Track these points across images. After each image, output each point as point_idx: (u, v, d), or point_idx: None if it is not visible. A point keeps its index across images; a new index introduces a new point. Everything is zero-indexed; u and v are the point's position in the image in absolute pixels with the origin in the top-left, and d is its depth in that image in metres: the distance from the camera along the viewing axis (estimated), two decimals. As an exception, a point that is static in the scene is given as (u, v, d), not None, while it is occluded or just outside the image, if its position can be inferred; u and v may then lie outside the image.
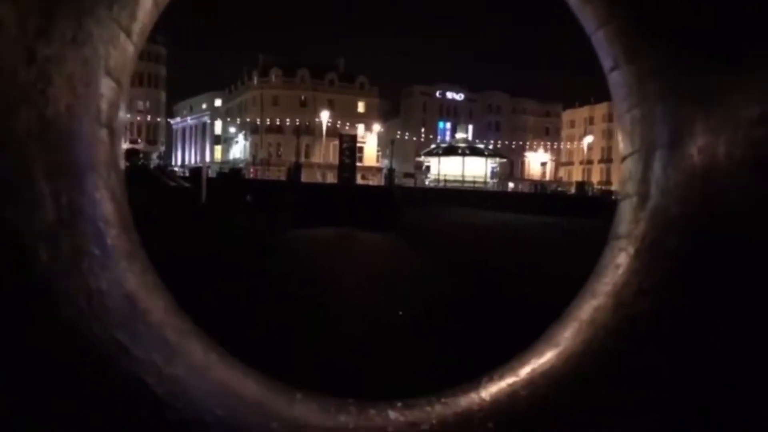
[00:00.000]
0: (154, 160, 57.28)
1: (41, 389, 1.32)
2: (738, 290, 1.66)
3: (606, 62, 2.66)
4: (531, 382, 2.13)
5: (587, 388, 1.96)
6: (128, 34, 2.19)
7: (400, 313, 8.67)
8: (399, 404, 2.28)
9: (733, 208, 1.76)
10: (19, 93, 1.46)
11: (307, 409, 2.01)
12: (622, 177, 2.68)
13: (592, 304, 2.24)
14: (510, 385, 2.18)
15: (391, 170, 40.77)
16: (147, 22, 2.39)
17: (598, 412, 1.85)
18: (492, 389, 2.20)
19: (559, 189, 64.58)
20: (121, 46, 2.14)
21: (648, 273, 2.01)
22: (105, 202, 1.88)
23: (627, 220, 2.34)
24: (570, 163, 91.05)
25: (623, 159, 2.68)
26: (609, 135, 79.49)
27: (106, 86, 2.04)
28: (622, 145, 2.74)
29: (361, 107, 76.57)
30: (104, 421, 1.37)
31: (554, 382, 2.05)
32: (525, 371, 2.23)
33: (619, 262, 2.25)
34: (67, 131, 1.69)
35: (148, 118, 75.50)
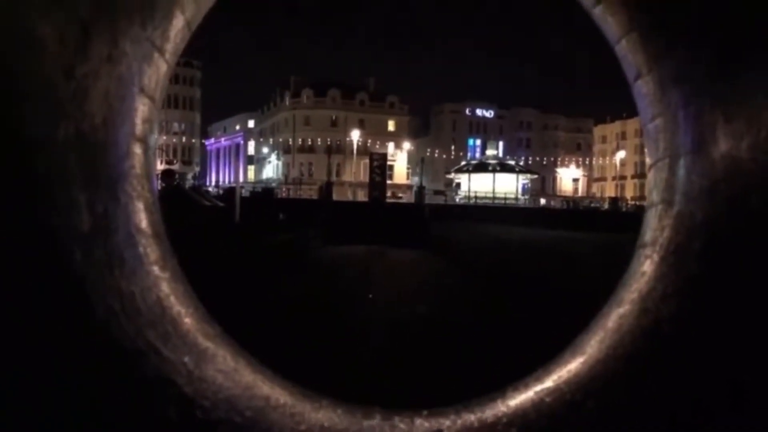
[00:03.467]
0: (189, 180, 58.46)
1: (74, 382, 1.38)
2: (763, 293, 1.64)
3: (630, 72, 2.66)
4: (557, 389, 2.13)
5: (613, 393, 1.95)
6: (161, 53, 2.29)
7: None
8: (425, 412, 2.29)
9: (757, 211, 1.75)
10: (58, 106, 1.54)
11: (333, 414, 2.03)
12: (648, 186, 2.67)
13: (618, 312, 2.23)
14: (536, 393, 2.18)
15: (421, 187, 40.80)
16: (179, 41, 2.49)
17: (623, 417, 1.84)
18: (517, 397, 2.20)
19: (592, 205, 63.70)
20: (155, 64, 2.24)
21: (673, 278, 2.00)
22: (138, 211, 1.96)
23: (652, 227, 2.33)
24: (602, 179, 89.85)
25: (649, 168, 2.68)
26: (642, 150, 78.04)
27: (140, 102, 2.13)
28: (647, 154, 2.74)
29: (391, 126, 77.10)
30: (134, 416, 1.43)
31: (580, 389, 2.04)
32: (551, 379, 2.23)
33: (644, 269, 2.24)
34: (103, 144, 1.78)
35: (184, 139, 77.23)
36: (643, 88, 2.47)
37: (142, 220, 1.98)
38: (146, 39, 2.04)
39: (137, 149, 2.10)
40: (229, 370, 1.84)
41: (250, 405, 1.74)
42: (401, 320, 9.32)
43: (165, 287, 1.91)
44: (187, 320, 1.92)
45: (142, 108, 2.13)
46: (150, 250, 1.95)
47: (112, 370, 1.46)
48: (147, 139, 2.24)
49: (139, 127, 2.10)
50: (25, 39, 1.45)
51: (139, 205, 1.99)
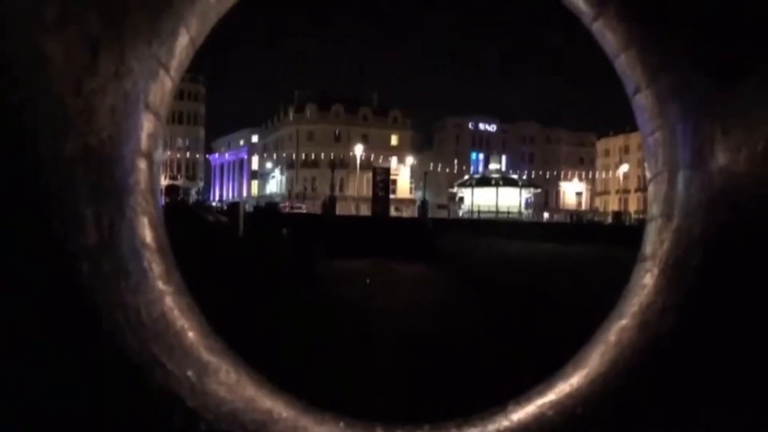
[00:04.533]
0: (193, 195, 58.65)
1: (79, 394, 1.40)
2: (761, 307, 1.65)
3: (629, 87, 2.69)
4: (558, 403, 2.13)
5: (614, 406, 1.95)
6: (166, 70, 2.33)
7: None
8: (426, 426, 2.30)
9: (754, 225, 1.76)
10: (66, 122, 1.58)
11: (335, 428, 2.04)
12: (648, 199, 2.69)
13: (618, 325, 2.24)
14: (538, 407, 2.18)
15: (424, 202, 40.85)
16: (184, 57, 2.53)
17: (625, 427, 1.84)
18: (519, 411, 2.21)
19: (596, 218, 63.60)
20: (160, 81, 2.28)
21: (672, 292, 2.01)
22: (142, 226, 1.98)
23: (652, 241, 2.35)
24: (606, 193, 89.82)
25: (649, 181, 2.70)
26: (645, 164, 78.04)
27: (146, 118, 2.16)
28: (647, 168, 2.76)
29: (394, 140, 77.38)
30: (139, 428, 1.44)
31: (581, 403, 2.05)
32: (552, 393, 2.23)
33: (644, 282, 2.25)
34: (109, 159, 1.81)
35: (188, 154, 77.62)
36: (642, 102, 2.50)
37: (147, 235, 2.00)
38: (152, 56, 2.08)
39: (142, 164, 2.13)
40: (232, 384, 1.86)
41: (252, 418, 1.75)
42: (404, 336, 9.30)
43: (169, 301, 1.93)
44: (191, 334, 1.94)
45: (147, 124, 2.16)
46: (154, 265, 1.97)
47: (117, 383, 1.48)
48: (152, 154, 2.27)
49: (144, 143, 2.13)
50: (35, 56, 1.48)
51: (144, 220, 2.02)
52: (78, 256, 1.53)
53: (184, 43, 2.42)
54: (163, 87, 2.37)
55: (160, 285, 1.95)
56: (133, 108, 2.03)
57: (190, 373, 1.68)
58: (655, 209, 2.42)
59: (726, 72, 1.95)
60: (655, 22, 2.29)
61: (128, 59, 1.88)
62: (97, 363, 1.45)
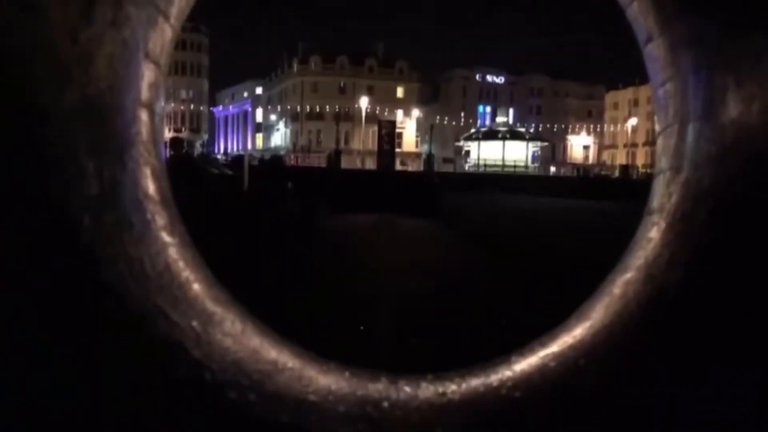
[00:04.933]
0: (198, 148, 58.47)
1: (83, 345, 1.41)
2: (769, 259, 1.64)
3: (640, 35, 2.62)
4: (561, 354, 2.15)
5: (616, 359, 1.97)
6: (166, 17, 2.27)
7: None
8: (430, 376, 2.33)
9: (766, 177, 1.73)
10: (63, 72, 1.54)
11: (340, 378, 2.07)
12: (657, 152, 2.65)
13: (623, 278, 2.23)
14: (540, 358, 2.20)
15: (430, 155, 40.62)
16: (184, 5, 2.46)
17: (626, 381, 1.86)
18: (522, 362, 2.23)
19: (603, 172, 63.22)
20: (159, 29, 2.22)
21: (679, 245, 2.00)
22: (145, 178, 1.97)
23: (660, 194, 2.32)
24: (614, 146, 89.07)
25: (658, 134, 2.65)
26: (654, 117, 77.18)
27: (146, 68, 2.12)
28: (657, 120, 2.70)
29: (400, 93, 76.50)
30: (144, 377, 1.46)
31: (584, 354, 2.06)
32: (555, 344, 2.25)
33: (651, 236, 2.23)
34: (109, 110, 1.78)
35: (191, 106, 77.02)
36: (654, 52, 2.43)
37: (150, 187, 1.99)
38: (150, 3, 2.03)
39: (144, 115, 2.10)
40: (237, 334, 1.87)
41: (257, 368, 1.77)
42: (409, 293, 9.37)
43: (173, 253, 1.93)
44: (195, 285, 1.94)
45: (147, 73, 2.12)
46: (158, 217, 1.96)
47: (121, 333, 1.49)
48: (153, 105, 2.23)
49: (144, 93, 2.09)
50: (28, 5, 1.44)
51: (147, 172, 2.00)
52: (79, 208, 1.52)
53: (183, -11, 2.35)
54: (162, 35, 2.31)
55: (164, 237, 1.94)
56: (133, 57, 1.98)
57: (194, 323, 1.69)
58: (663, 162, 2.38)
59: (740, 21, 1.89)
60: (671, -33, 2.20)
61: (125, 6, 1.82)
62: (99, 314, 1.46)
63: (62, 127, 1.54)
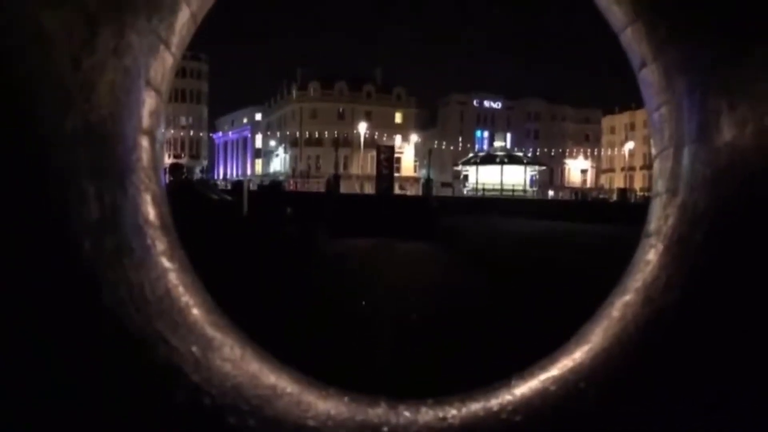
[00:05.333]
0: (197, 174, 58.58)
1: (82, 370, 1.41)
2: (766, 280, 1.65)
3: (635, 61, 2.66)
4: (561, 377, 2.14)
5: (616, 382, 1.96)
6: (167, 46, 2.30)
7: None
8: (430, 401, 2.32)
9: (760, 200, 1.75)
10: (65, 98, 1.57)
11: (339, 403, 2.06)
12: (654, 175, 2.67)
13: (622, 301, 2.24)
14: (540, 382, 2.20)
15: (428, 180, 40.73)
16: (185, 34, 2.50)
17: (626, 404, 1.85)
18: (522, 386, 2.22)
19: (601, 196, 63.39)
20: (161, 57, 2.26)
21: (676, 268, 2.01)
22: (145, 203, 1.98)
23: (657, 216, 2.34)
24: (611, 170, 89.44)
25: (654, 157, 2.68)
26: (651, 141, 77.72)
27: (147, 95, 2.15)
28: (653, 143, 2.73)
29: (398, 118, 77.03)
30: (143, 402, 1.46)
31: (584, 377, 2.06)
32: (555, 368, 2.24)
33: (648, 258, 2.24)
34: (110, 136, 1.80)
35: (191, 132, 77.46)
36: (648, 77, 2.47)
37: (150, 212, 2.00)
38: (152, 32, 2.06)
39: (144, 142, 2.12)
40: (236, 359, 1.87)
41: (256, 393, 1.77)
42: (406, 309, 9.33)
43: (173, 278, 1.94)
44: (195, 310, 1.94)
45: (148, 100, 2.15)
46: (158, 242, 1.97)
47: (121, 359, 1.49)
48: (154, 131, 2.26)
49: (145, 120, 2.12)
50: (33, 32, 1.47)
51: (147, 197, 2.02)
52: (80, 232, 1.53)
53: (184, 19, 2.39)
54: (163, 63, 2.35)
55: (164, 262, 1.95)
56: (134, 84, 2.01)
57: (194, 348, 1.69)
58: (660, 185, 2.40)
59: (732, 46, 1.92)
60: (662, -5, 2.25)
61: (128, 35, 1.86)
62: (99, 339, 1.46)
63: (64, 152, 1.55)
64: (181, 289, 1.94)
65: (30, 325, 1.38)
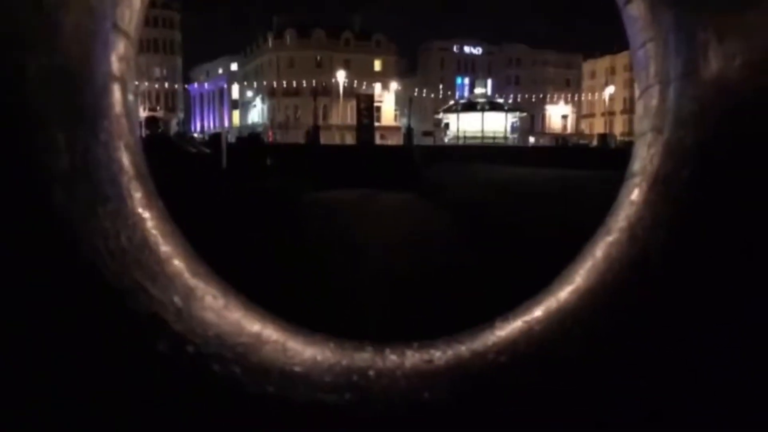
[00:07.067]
0: (174, 127, 57.54)
1: (62, 322, 1.37)
2: (754, 220, 1.64)
3: (621, -3, 2.59)
4: (545, 318, 2.16)
5: (600, 321, 1.98)
6: (134, -15, 2.19)
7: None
8: (415, 344, 2.33)
9: (748, 134, 1.73)
10: (27, 40, 1.48)
11: (325, 348, 2.06)
12: (637, 114, 2.64)
13: (606, 241, 2.24)
14: (525, 322, 2.21)
15: (409, 129, 40.42)
16: (152, -27, 2.38)
17: (610, 344, 1.87)
18: (507, 327, 2.24)
19: (581, 141, 63.57)
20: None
21: (662, 206, 2.00)
22: (119, 150, 1.91)
23: (641, 156, 2.32)
24: (591, 115, 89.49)
25: (639, 96, 2.64)
26: (631, 85, 77.71)
27: (115, 38, 2.05)
28: (636, 82, 2.69)
29: (377, 66, 75.81)
30: (125, 352, 1.43)
31: (569, 317, 2.07)
32: (540, 309, 2.26)
33: (633, 198, 2.23)
34: (79, 80, 1.72)
35: (166, 85, 75.67)
36: (634, 12, 2.41)
37: (124, 160, 1.94)
38: (116, -31, 1.95)
39: (115, 88, 2.03)
40: (219, 308, 1.85)
41: (240, 341, 1.75)
42: (394, 266, 9.39)
43: (151, 227, 1.89)
44: (175, 260, 1.91)
45: (117, 44, 2.05)
46: (134, 191, 1.92)
47: (100, 309, 1.45)
48: (125, 78, 2.16)
49: (115, 65, 2.02)
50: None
51: (120, 144, 1.95)
52: (52, 181, 1.47)
53: (150, -44, 2.27)
54: (131, 4, 2.23)
55: (141, 211, 1.90)
56: (100, 26, 1.91)
57: (175, 298, 1.66)
58: (645, 124, 2.37)
59: (723, -25, 1.87)
60: (650, -76, 2.17)
61: (90, -29, 1.75)
62: (77, 289, 1.42)
63: (29, 98, 1.47)
64: (160, 238, 1.89)
65: (4, 278, 1.34)
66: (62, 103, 1.62)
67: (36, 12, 1.52)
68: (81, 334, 1.39)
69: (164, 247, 1.87)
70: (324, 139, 41.78)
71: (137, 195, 1.92)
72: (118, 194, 1.78)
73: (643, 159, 2.28)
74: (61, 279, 1.40)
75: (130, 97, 2.25)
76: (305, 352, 1.97)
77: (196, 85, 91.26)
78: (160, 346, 1.49)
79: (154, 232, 1.88)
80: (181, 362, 1.51)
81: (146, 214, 1.91)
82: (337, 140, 54.73)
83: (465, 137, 48.88)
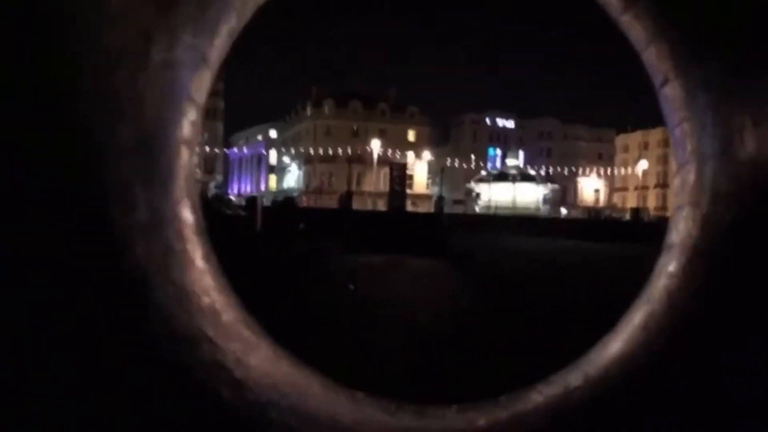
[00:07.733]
0: (212, 189, 59.03)
1: (136, 365, 1.48)
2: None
3: (656, 79, 2.72)
4: (585, 384, 2.19)
5: (639, 390, 2.00)
6: (207, 62, 2.41)
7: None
8: (455, 407, 2.37)
9: (783, 211, 1.80)
10: (120, 110, 1.66)
11: (368, 406, 2.12)
12: (676, 188, 2.73)
13: (644, 310, 2.28)
14: (564, 388, 2.24)
15: (440, 198, 40.75)
16: (222, 50, 2.61)
17: (650, 413, 1.90)
18: (546, 391, 2.27)
19: (614, 215, 63.04)
20: (201, 72, 2.36)
21: (700, 277, 2.05)
22: (185, 209, 2.07)
23: (679, 228, 2.39)
24: (624, 189, 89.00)
25: (676, 171, 2.73)
26: (665, 160, 77.55)
27: (188, 108, 2.25)
28: (675, 157, 2.79)
29: (411, 136, 77.38)
30: (192, 396, 1.53)
31: (607, 384, 2.10)
32: (578, 375, 2.29)
33: (671, 269, 2.29)
34: (158, 145, 1.90)
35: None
36: (670, 94, 2.53)
37: (189, 218, 2.09)
38: (195, 48, 2.16)
39: (185, 151, 2.21)
40: (272, 359, 1.94)
41: (293, 391, 1.83)
42: (418, 326, 9.34)
43: (211, 280, 2.02)
44: (231, 311, 2.02)
45: (190, 113, 2.25)
46: (197, 246, 2.06)
47: (170, 355, 1.56)
48: (192, 142, 2.35)
49: (187, 131, 2.22)
50: (98, 48, 1.57)
51: (187, 204, 2.11)
52: (134, 238, 1.62)
53: (223, 35, 2.50)
54: (202, 77, 2.45)
55: (202, 265, 2.03)
56: (178, 98, 2.11)
57: (234, 346, 1.76)
58: (682, 198, 2.45)
59: (756, 64, 1.99)
60: (685, 15, 2.32)
61: (175, 50, 1.96)
62: (151, 336, 1.54)
63: (119, 160, 1.65)
64: (218, 290, 2.02)
65: (87, 326, 1.46)
66: (144, 165, 1.79)
67: (129, 87, 1.71)
68: (155, 380, 1.50)
69: (222, 300, 1.99)
70: (356, 204, 42.37)
71: (199, 250, 2.06)
72: (184, 249, 1.92)
73: (681, 231, 2.35)
74: (138, 325, 1.52)
75: (195, 160, 2.44)
76: (348, 408, 2.04)
77: (235, 149, 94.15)
78: (224, 392, 1.58)
79: (213, 284, 2.01)
80: (244, 408, 1.60)
81: (207, 268, 2.04)
82: (369, 206, 55.37)
83: (496, 207, 49.02)
